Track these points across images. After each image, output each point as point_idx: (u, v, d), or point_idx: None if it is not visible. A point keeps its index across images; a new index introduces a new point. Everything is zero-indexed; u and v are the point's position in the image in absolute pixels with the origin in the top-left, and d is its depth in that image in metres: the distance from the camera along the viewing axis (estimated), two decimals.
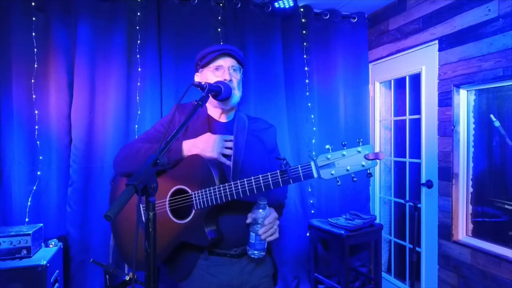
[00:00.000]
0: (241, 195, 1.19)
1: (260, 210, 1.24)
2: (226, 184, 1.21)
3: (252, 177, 1.17)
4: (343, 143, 1.09)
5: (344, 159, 1.07)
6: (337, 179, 1.10)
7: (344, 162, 1.07)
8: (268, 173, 1.15)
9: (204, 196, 1.23)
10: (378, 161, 1.07)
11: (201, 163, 1.27)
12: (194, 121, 1.45)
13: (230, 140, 1.37)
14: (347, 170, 1.07)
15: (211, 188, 1.22)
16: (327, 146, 1.09)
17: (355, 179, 1.09)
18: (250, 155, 1.38)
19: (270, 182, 1.15)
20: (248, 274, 1.36)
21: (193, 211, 1.27)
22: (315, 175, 1.10)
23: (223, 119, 1.48)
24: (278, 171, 1.14)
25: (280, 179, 1.14)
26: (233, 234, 1.30)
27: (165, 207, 1.34)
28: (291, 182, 1.13)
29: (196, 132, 1.38)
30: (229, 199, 1.20)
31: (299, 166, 1.12)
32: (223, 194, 1.20)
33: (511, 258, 2.03)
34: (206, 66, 1.45)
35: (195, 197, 1.26)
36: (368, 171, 1.08)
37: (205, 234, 1.23)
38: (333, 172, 1.08)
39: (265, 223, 1.24)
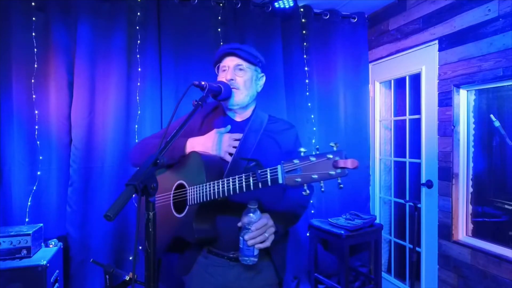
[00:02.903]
0: (217, 196, 1.16)
1: (250, 215, 1.20)
2: (207, 183, 1.20)
3: (230, 178, 1.14)
4: (316, 147, 1.01)
5: (312, 165, 0.96)
6: (305, 187, 1.00)
7: (311, 169, 0.96)
8: (243, 175, 1.11)
9: (194, 192, 1.24)
10: (347, 170, 0.93)
11: (195, 159, 1.28)
12: (210, 120, 1.47)
13: (238, 139, 1.36)
14: (313, 178, 0.96)
15: (200, 185, 1.22)
16: (301, 149, 0.99)
17: (342, 185, 0.97)
18: (260, 156, 1.33)
19: (244, 184, 1.10)
20: (248, 280, 1.33)
21: (187, 206, 1.28)
22: (280, 180, 1.01)
23: (238, 118, 1.46)
24: (250, 173, 1.09)
25: (251, 182, 1.08)
26: (230, 236, 1.28)
27: (170, 200, 1.37)
28: (260, 186, 1.07)
29: (211, 130, 1.39)
30: (209, 198, 1.19)
31: (268, 169, 1.05)
32: (205, 193, 1.20)
33: (511, 258, 2.03)
34: (218, 67, 1.45)
35: (189, 192, 1.27)
36: (339, 182, 0.96)
37: (192, 230, 1.23)
38: (298, 179, 0.98)
39: (251, 229, 1.19)
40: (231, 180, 1.14)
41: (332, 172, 0.94)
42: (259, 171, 1.07)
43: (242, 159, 1.21)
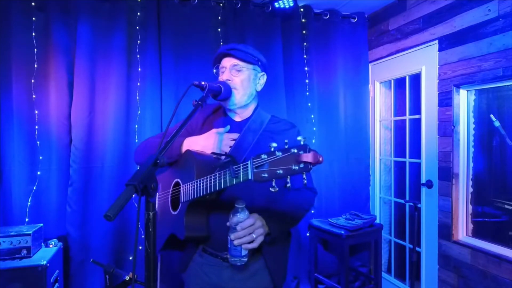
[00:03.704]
0: (201, 193, 1.17)
1: (238, 214, 1.19)
2: (195, 181, 1.20)
3: (212, 175, 1.14)
4: (285, 141, 0.97)
5: (278, 160, 0.93)
6: (273, 183, 0.96)
7: (277, 164, 0.93)
8: (222, 171, 1.10)
9: (185, 190, 1.26)
10: (311, 166, 0.90)
11: (189, 158, 1.30)
12: (211, 121, 1.47)
13: (235, 139, 1.36)
14: (278, 173, 0.93)
15: (190, 183, 1.23)
16: (272, 144, 0.96)
17: (306, 182, 0.94)
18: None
19: (222, 181, 1.09)
20: (241, 282, 1.33)
21: (180, 203, 1.29)
22: (250, 176, 0.99)
23: (238, 118, 1.46)
24: (227, 169, 1.08)
25: (227, 178, 1.07)
26: (224, 236, 1.26)
27: (168, 197, 1.39)
28: (234, 182, 1.05)
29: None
30: (195, 196, 1.19)
31: (240, 165, 1.03)
32: (192, 190, 1.21)
33: (511, 258, 2.03)
34: (217, 69, 1.45)
35: (181, 190, 1.29)
36: (303, 177, 0.93)
37: (182, 227, 1.23)
38: (265, 174, 0.95)
39: (237, 229, 1.18)
40: (212, 176, 1.13)
41: (296, 167, 0.90)
42: (234, 167, 1.05)
43: (216, 155, 1.20)
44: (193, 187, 1.21)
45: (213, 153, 1.28)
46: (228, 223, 1.21)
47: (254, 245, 1.20)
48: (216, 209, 1.29)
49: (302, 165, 0.90)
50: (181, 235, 1.25)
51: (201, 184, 1.17)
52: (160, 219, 1.42)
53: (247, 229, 1.18)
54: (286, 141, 0.96)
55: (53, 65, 2.34)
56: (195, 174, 1.22)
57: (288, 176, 0.93)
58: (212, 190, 1.13)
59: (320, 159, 0.90)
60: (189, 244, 1.39)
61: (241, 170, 1.03)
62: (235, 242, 1.18)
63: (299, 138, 0.93)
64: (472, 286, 2.25)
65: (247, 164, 1.00)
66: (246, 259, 1.21)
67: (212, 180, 1.13)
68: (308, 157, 0.89)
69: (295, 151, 0.91)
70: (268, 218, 1.27)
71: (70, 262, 2.36)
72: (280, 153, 0.93)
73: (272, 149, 0.95)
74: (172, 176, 1.40)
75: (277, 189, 0.97)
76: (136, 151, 1.56)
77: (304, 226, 2.88)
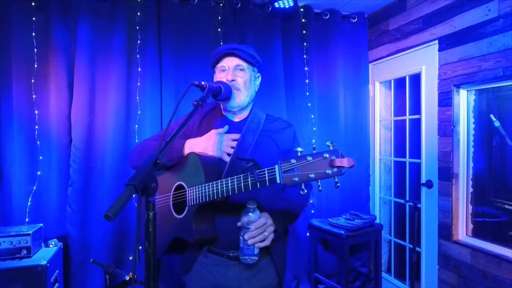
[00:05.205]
0: (216, 196, 1.17)
1: (250, 214, 1.21)
2: (206, 184, 1.21)
3: (229, 178, 1.15)
4: (313, 146, 1.01)
5: (309, 164, 0.97)
6: (302, 186, 1.00)
7: (308, 168, 0.97)
8: (241, 175, 1.12)
9: (194, 193, 1.25)
10: (344, 169, 0.95)
11: (194, 160, 1.29)
12: (208, 121, 1.47)
13: (236, 140, 1.37)
14: (310, 177, 0.96)
15: (199, 186, 1.23)
16: (298, 149, 1.00)
17: (338, 184, 0.98)
18: (258, 156, 1.33)
19: (242, 184, 1.11)
20: (247, 280, 1.34)
21: (187, 207, 1.29)
22: (278, 180, 1.02)
23: (236, 118, 1.46)
24: (248, 173, 1.10)
25: (249, 182, 1.09)
26: (230, 235, 1.28)
27: (169, 201, 1.38)
28: (258, 186, 1.08)
29: (209, 131, 1.39)
30: (208, 199, 1.20)
31: (266, 169, 1.06)
32: (205, 194, 1.21)
33: (511, 258, 2.03)
34: (215, 67, 1.44)
35: (188, 193, 1.28)
36: (335, 180, 0.97)
37: (192, 231, 1.24)
38: (295, 178, 0.98)
39: (251, 228, 1.20)
40: (229, 180, 1.14)
41: (329, 171, 0.94)
42: (257, 171, 1.07)
43: (240, 159, 1.22)
44: (205, 190, 1.20)
45: (237, 158, 1.28)
46: (239, 223, 1.23)
47: (267, 242, 1.23)
48: (222, 210, 1.30)
49: (335, 170, 0.94)
50: (191, 239, 1.25)
51: (216, 188, 1.17)
52: (160, 223, 1.40)
53: (260, 228, 1.21)
54: (314, 146, 1.00)
55: (53, 65, 2.34)
56: (204, 178, 1.22)
57: (319, 180, 0.97)
58: (230, 193, 1.15)
59: (353, 163, 0.94)
60: (192, 246, 1.38)
61: (266, 174, 1.05)
62: (249, 242, 1.20)
63: (328, 143, 0.97)
64: (472, 286, 2.25)
65: (274, 168, 1.03)
66: (257, 257, 1.24)
67: (230, 184, 1.14)
68: (343, 162, 0.93)
69: (327, 155, 0.95)
70: (273, 215, 1.29)
71: (70, 262, 2.36)
72: (311, 158, 0.97)
73: (299, 153, 0.99)
74: (172, 179, 1.39)
75: (306, 191, 1.01)
76: (132, 155, 1.53)
77: (304, 226, 2.88)
